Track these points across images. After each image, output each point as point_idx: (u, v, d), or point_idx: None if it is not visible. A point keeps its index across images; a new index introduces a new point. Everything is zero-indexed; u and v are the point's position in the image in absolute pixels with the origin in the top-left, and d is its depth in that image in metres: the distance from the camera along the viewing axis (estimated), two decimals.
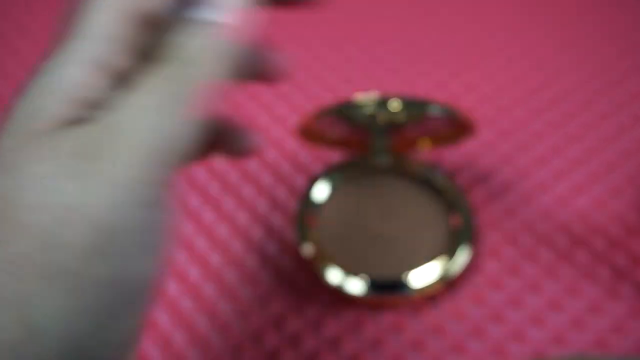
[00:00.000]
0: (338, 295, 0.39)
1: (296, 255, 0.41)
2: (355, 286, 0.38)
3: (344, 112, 0.38)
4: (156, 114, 0.20)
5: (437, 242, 0.40)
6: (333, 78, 0.51)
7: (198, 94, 0.21)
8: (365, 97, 0.37)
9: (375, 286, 0.38)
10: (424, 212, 0.41)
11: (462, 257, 0.39)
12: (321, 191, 0.42)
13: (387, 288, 0.38)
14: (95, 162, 0.19)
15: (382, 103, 0.37)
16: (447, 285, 0.39)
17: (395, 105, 0.37)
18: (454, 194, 0.41)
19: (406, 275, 0.38)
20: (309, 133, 0.41)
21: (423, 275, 0.38)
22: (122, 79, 0.21)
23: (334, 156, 0.46)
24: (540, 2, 0.55)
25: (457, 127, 0.40)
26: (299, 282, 0.41)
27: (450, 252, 0.39)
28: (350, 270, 0.38)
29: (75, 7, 0.22)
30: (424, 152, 0.44)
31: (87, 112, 0.20)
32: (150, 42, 0.22)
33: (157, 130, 0.20)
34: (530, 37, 0.53)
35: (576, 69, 0.50)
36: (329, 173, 0.43)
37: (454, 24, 0.54)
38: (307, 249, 0.39)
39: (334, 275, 0.38)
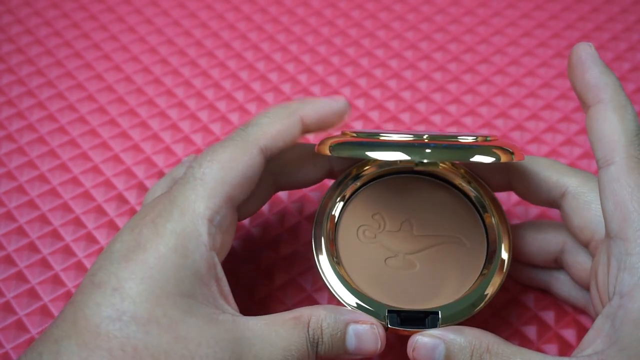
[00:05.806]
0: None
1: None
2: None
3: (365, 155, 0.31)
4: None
5: (471, 264, 0.33)
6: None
7: None
8: (394, 136, 0.31)
9: (402, 320, 0.31)
10: (455, 223, 0.34)
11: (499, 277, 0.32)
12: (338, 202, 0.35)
13: (414, 321, 0.31)
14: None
15: (413, 147, 0.30)
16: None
17: (428, 152, 0.30)
18: (486, 199, 0.35)
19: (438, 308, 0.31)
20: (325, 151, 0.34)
21: (457, 309, 0.31)
22: None
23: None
24: (540, 5, 0.54)
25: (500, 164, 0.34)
26: None
27: (488, 274, 0.32)
28: (372, 298, 0.32)
29: None
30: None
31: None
32: None
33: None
34: (531, 40, 0.51)
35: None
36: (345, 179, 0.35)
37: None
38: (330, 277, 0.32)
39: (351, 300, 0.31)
